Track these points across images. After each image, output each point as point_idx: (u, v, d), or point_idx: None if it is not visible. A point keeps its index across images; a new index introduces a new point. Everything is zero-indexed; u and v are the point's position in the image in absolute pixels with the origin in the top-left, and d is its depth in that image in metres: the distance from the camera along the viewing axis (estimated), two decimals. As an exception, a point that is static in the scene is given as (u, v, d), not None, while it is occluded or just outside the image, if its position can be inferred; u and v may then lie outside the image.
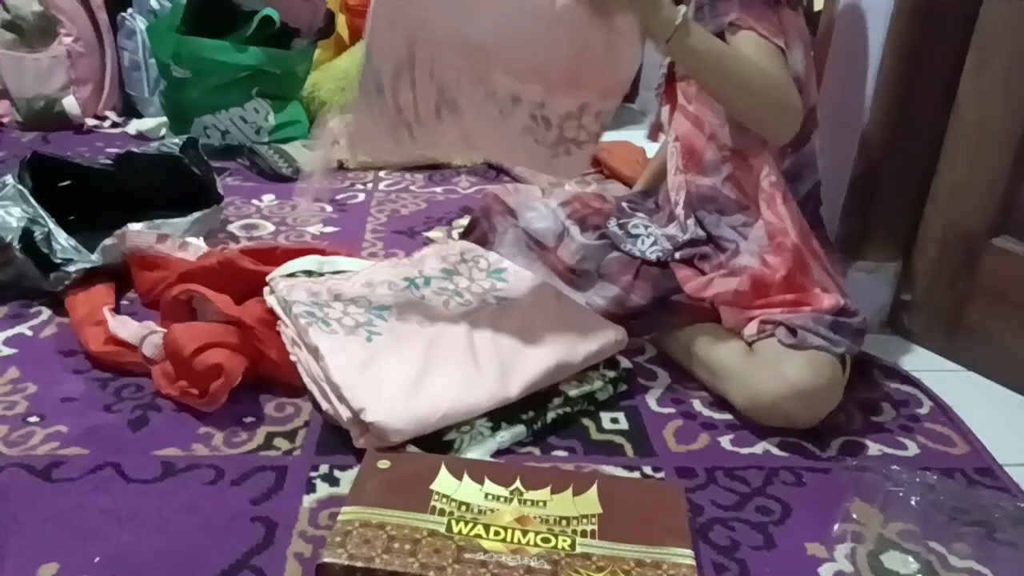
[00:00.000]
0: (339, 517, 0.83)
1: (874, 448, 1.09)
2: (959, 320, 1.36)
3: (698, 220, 1.26)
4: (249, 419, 1.05)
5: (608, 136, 1.35)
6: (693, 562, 0.81)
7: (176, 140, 1.60)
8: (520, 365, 1.07)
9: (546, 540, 0.82)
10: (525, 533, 0.83)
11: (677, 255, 1.26)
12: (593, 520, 0.85)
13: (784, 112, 1.10)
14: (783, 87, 1.09)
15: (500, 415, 1.03)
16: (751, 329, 1.14)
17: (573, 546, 0.82)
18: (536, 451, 1.03)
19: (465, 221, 1.60)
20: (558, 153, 1.12)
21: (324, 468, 0.97)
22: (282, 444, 1.01)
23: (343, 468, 0.97)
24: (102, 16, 2.31)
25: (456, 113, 1.07)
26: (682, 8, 1.02)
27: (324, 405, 1.03)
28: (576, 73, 1.04)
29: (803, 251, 1.15)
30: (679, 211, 1.28)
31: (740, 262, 1.20)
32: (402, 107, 1.04)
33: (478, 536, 0.82)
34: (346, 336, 1.07)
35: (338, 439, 1.01)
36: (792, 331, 1.08)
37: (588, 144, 1.13)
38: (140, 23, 2.29)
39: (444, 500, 0.86)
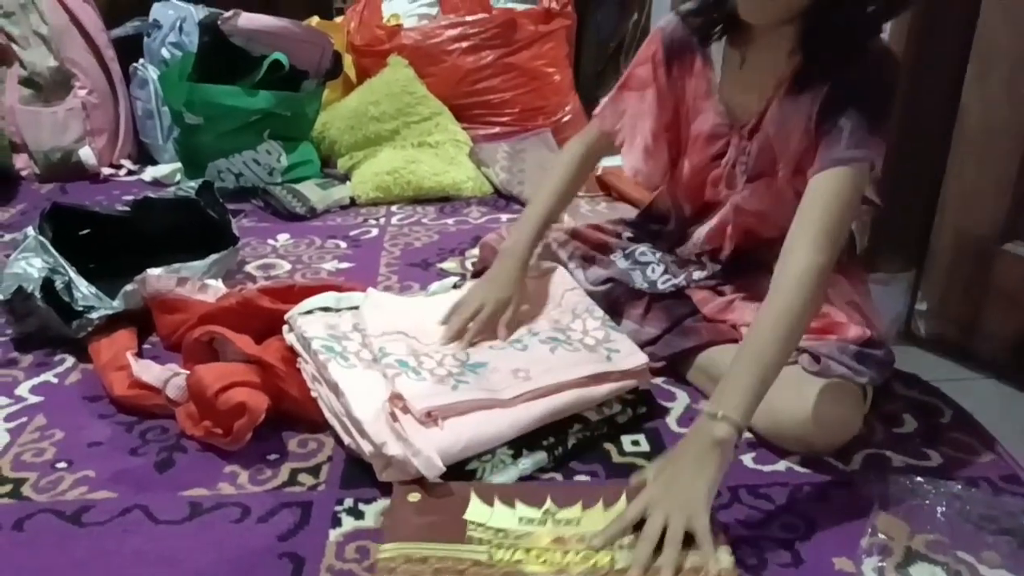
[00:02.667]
0: (380, 556, 0.83)
1: (897, 460, 1.08)
2: (975, 327, 1.36)
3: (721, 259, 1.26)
4: (273, 456, 1.06)
5: (616, 161, 1.36)
6: (732, 559, 0.82)
7: (192, 184, 1.63)
8: (545, 396, 1.07)
9: (587, 558, 0.83)
10: (565, 553, 0.84)
11: (692, 284, 1.26)
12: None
13: (821, 299, 1.03)
14: (813, 295, 0.96)
15: (521, 442, 1.03)
16: None
17: (613, 562, 0.82)
18: (558, 476, 1.03)
19: (477, 251, 1.62)
20: (598, 350, 1.14)
21: (349, 502, 0.98)
22: (306, 480, 1.02)
23: (368, 501, 0.98)
24: (115, 67, 2.36)
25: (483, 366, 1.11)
26: (707, 421, 0.89)
27: (346, 440, 1.04)
28: None
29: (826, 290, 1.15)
30: (704, 258, 1.28)
31: (763, 287, 1.20)
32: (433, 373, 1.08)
33: (520, 562, 0.83)
34: (365, 370, 1.09)
35: (362, 472, 1.01)
36: (816, 358, 1.08)
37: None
38: (152, 72, 2.34)
39: (480, 529, 0.87)
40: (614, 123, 1.27)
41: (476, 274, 1.49)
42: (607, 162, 2.27)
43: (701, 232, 1.26)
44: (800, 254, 0.96)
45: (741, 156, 1.15)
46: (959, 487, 0.98)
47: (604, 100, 1.30)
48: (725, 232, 1.23)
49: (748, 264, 1.24)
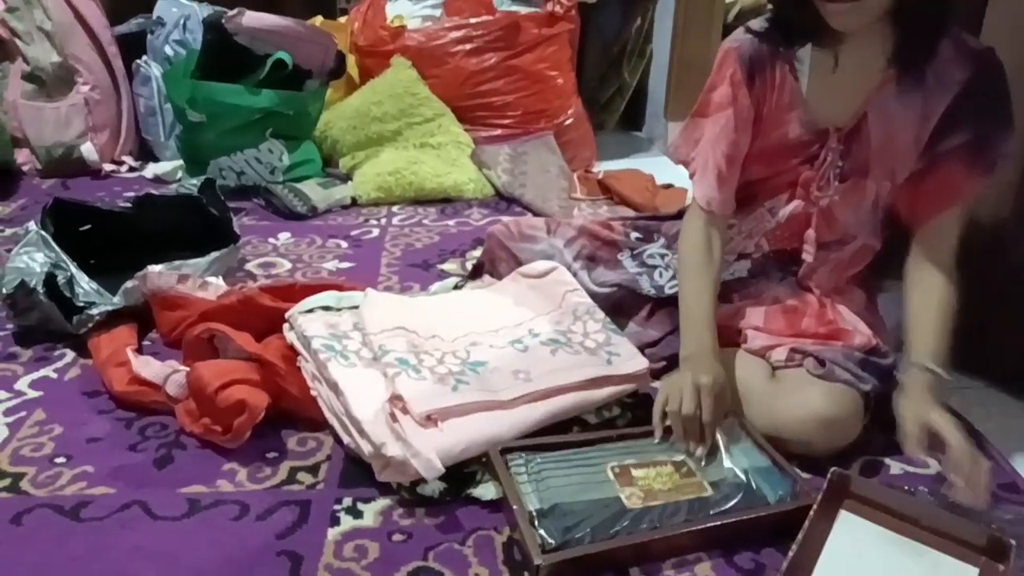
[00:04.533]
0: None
1: (896, 467, 1.09)
2: (976, 336, 1.36)
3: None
4: (272, 454, 1.06)
5: (617, 164, 1.36)
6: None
7: (194, 181, 1.63)
8: (544, 400, 1.07)
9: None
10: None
11: None
12: None
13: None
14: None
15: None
16: (779, 355, 1.13)
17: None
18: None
19: (478, 252, 1.62)
20: (599, 354, 1.14)
21: (348, 501, 0.98)
22: (305, 478, 1.02)
23: (366, 501, 0.98)
24: (118, 64, 2.36)
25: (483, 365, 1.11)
26: (915, 371, 1.02)
27: (346, 439, 1.04)
28: None
29: (832, 301, 1.16)
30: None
31: (770, 293, 1.21)
32: (434, 371, 1.08)
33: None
34: (365, 369, 1.09)
35: (361, 472, 1.01)
36: (821, 363, 1.09)
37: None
38: (155, 70, 2.34)
39: None
40: (688, 152, 1.20)
41: (476, 268, 1.49)
42: (607, 166, 2.28)
43: (769, 231, 1.21)
44: (941, 281, 1.09)
45: (837, 159, 1.11)
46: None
47: (676, 141, 1.23)
48: (801, 235, 1.19)
49: (779, 267, 1.23)
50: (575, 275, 1.32)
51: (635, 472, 0.99)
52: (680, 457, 1.03)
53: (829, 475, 0.94)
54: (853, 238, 1.18)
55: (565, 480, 0.96)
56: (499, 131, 2.32)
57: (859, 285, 1.22)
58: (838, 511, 0.93)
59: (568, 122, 2.37)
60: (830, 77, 1.08)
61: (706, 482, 0.98)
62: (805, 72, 1.10)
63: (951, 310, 1.08)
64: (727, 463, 1.02)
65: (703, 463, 1.01)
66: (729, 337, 1.21)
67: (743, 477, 0.99)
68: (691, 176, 1.20)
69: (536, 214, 1.96)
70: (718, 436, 1.04)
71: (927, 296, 1.09)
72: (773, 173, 1.17)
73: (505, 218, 1.98)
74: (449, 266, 1.71)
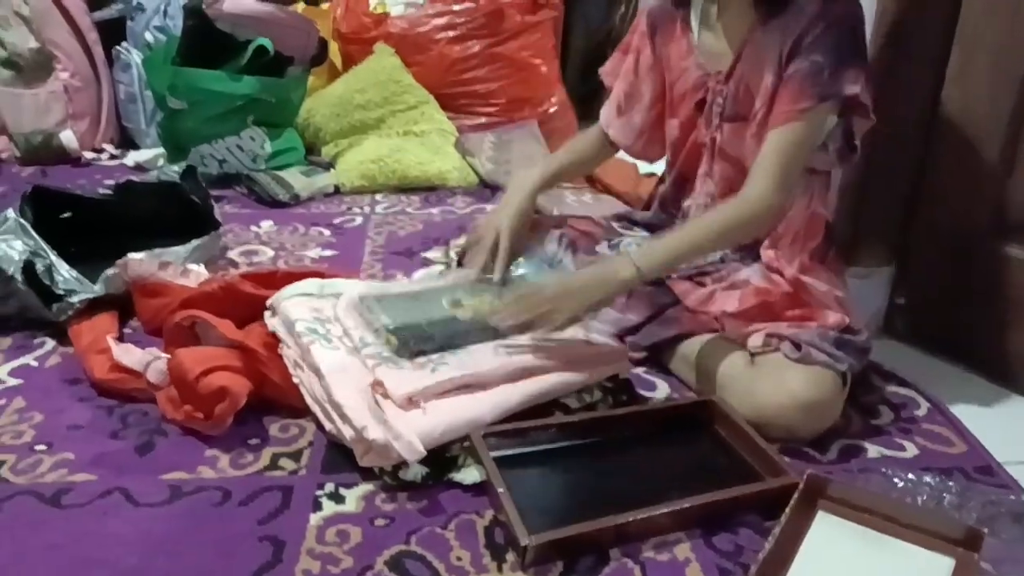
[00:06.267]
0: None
1: (873, 451, 1.10)
2: (954, 321, 1.38)
3: None
4: (254, 441, 1.06)
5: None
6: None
7: (175, 168, 1.62)
8: (525, 382, 1.07)
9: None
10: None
11: (675, 275, 1.27)
12: None
13: (757, 230, 1.17)
14: (751, 223, 1.12)
15: (502, 428, 1.04)
16: (756, 341, 1.15)
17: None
18: (539, 463, 1.04)
19: (462, 240, 1.62)
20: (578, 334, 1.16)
21: (330, 487, 0.98)
22: (287, 464, 1.02)
23: (348, 486, 0.98)
24: (98, 51, 2.34)
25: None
26: (625, 259, 1.08)
27: (328, 425, 1.04)
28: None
29: (801, 281, 1.18)
30: None
31: (741, 276, 1.22)
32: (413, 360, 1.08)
33: None
34: (347, 355, 1.09)
35: (342, 458, 1.02)
36: (797, 346, 1.10)
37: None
38: (135, 56, 2.32)
39: None
40: (611, 82, 1.39)
41: (461, 257, 1.49)
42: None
43: (697, 199, 1.31)
44: (759, 188, 1.09)
45: (718, 98, 1.21)
46: (937, 479, 1.00)
47: (606, 68, 1.41)
48: (714, 195, 1.27)
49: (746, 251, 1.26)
50: (560, 261, 1.33)
51: (465, 302, 1.19)
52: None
53: (805, 477, 0.94)
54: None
55: (409, 306, 1.16)
56: (483, 119, 2.32)
57: (824, 264, 1.24)
58: (814, 511, 0.94)
59: (552, 110, 2.37)
60: (714, 25, 1.20)
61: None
62: (695, 24, 1.23)
63: (712, 228, 1.11)
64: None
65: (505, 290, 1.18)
66: (706, 323, 1.22)
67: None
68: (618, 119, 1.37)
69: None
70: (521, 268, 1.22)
71: (709, 214, 1.16)
72: (686, 121, 1.28)
73: (489, 207, 1.99)
74: (433, 254, 1.71)
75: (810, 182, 1.21)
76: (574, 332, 1.17)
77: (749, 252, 1.26)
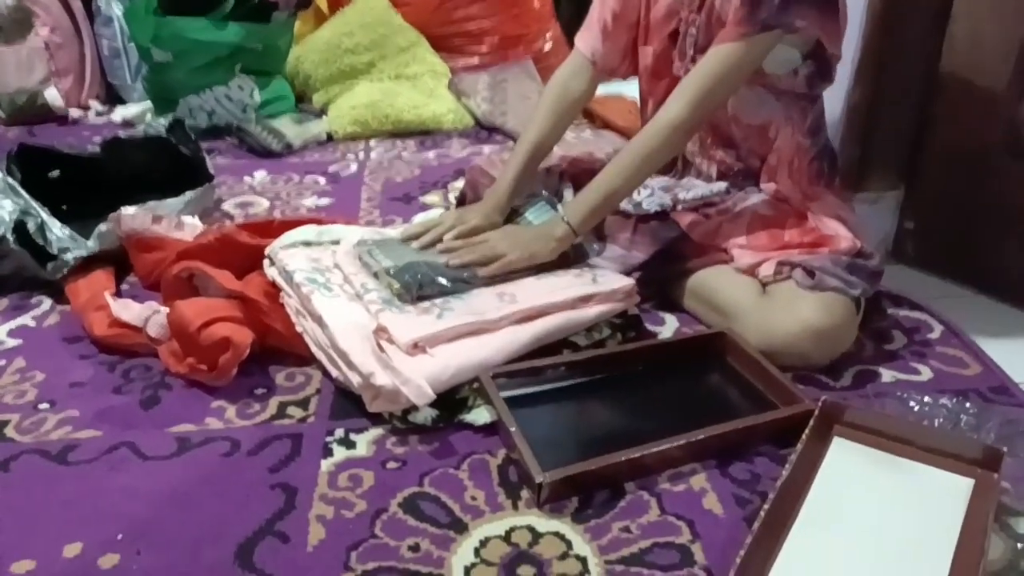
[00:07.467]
0: None
1: (888, 375, 1.09)
2: (965, 243, 1.35)
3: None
4: (260, 390, 1.05)
5: (599, 89, 1.33)
6: None
7: (162, 121, 1.58)
8: (532, 321, 1.06)
9: None
10: None
11: (679, 207, 1.25)
12: None
13: (669, 151, 1.16)
14: (662, 147, 1.12)
15: (512, 368, 1.02)
16: (767, 269, 1.13)
17: None
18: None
19: (460, 184, 1.58)
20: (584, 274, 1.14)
21: (340, 432, 0.97)
22: (296, 412, 1.01)
23: (359, 431, 0.97)
24: (77, 5, 2.27)
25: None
26: (557, 218, 1.14)
27: (334, 372, 1.03)
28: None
29: (810, 208, 1.16)
30: (711, 170, 1.29)
31: (748, 206, 1.20)
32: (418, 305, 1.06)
33: None
34: (349, 302, 1.07)
35: (351, 404, 1.00)
36: (810, 273, 1.08)
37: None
38: (116, 9, 2.25)
39: None
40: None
41: (460, 199, 1.46)
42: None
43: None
44: (673, 107, 1.09)
45: (691, 28, 1.18)
46: (953, 400, 0.99)
47: None
48: (731, 136, 1.23)
49: (738, 180, 1.24)
50: (561, 197, 1.30)
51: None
52: None
53: (820, 403, 0.93)
54: (761, 126, 1.20)
55: (410, 249, 1.15)
56: (476, 59, 2.26)
57: (830, 189, 1.21)
58: (831, 437, 0.93)
59: (547, 47, 2.31)
60: None
61: None
62: None
63: (625, 163, 1.12)
64: None
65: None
66: (714, 255, 1.20)
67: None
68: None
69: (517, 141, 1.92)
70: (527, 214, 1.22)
71: (627, 146, 1.15)
72: (660, 50, 1.23)
73: (486, 148, 1.95)
74: (431, 198, 1.68)
75: (788, 108, 1.18)
76: (580, 271, 1.15)
77: (753, 183, 1.23)
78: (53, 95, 2.20)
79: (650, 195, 1.27)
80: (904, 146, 1.41)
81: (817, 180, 1.22)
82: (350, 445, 0.95)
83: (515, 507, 0.85)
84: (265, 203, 1.66)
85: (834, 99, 1.39)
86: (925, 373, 1.09)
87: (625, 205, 1.26)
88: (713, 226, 1.22)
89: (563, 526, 0.83)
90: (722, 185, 1.25)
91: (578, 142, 1.87)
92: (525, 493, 0.87)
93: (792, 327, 1.04)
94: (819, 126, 1.23)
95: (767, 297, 1.11)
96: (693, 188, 1.26)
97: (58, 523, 0.83)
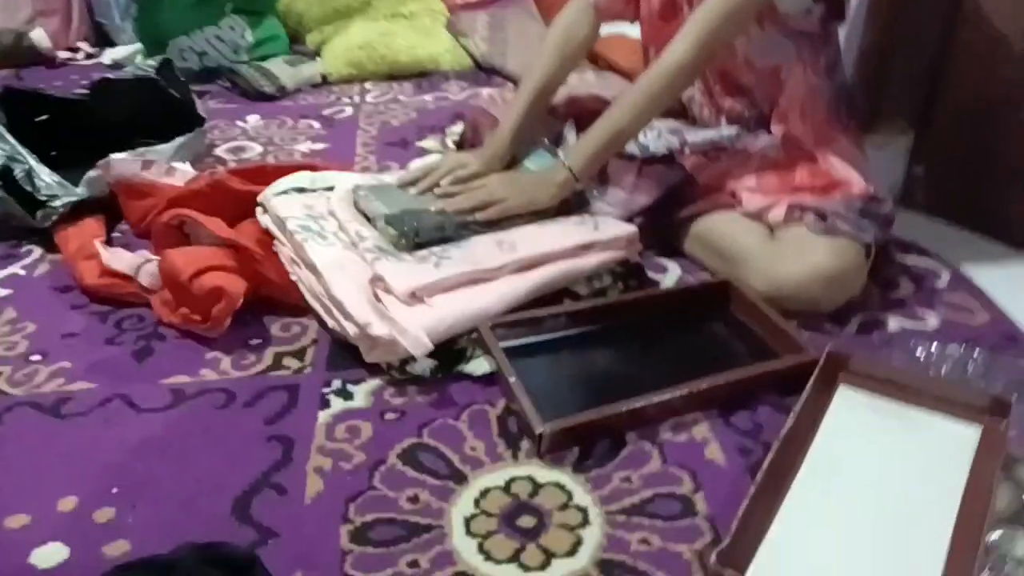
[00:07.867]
0: None
1: (894, 323, 1.07)
2: (975, 189, 1.32)
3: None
4: (256, 341, 1.03)
5: (602, 29, 1.28)
6: None
7: (151, 62, 1.53)
8: (531, 270, 1.04)
9: None
10: None
11: (687, 150, 1.21)
12: None
13: (673, 93, 1.12)
14: (668, 88, 1.09)
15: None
16: (778, 213, 1.10)
17: None
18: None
19: (459, 128, 1.54)
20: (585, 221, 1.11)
21: (337, 383, 0.95)
22: (292, 363, 0.99)
23: (356, 382, 0.95)
24: (60, -60, 2.20)
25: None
26: (558, 164, 1.12)
27: (330, 322, 1.01)
28: None
29: (823, 151, 1.13)
30: (719, 121, 1.25)
31: (757, 149, 1.17)
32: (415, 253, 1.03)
33: None
34: (344, 250, 1.04)
35: (348, 354, 0.99)
36: (821, 217, 1.06)
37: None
38: (101, -56, 2.18)
39: None
40: None
41: (460, 143, 1.43)
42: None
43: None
44: (678, 47, 1.06)
45: None
46: (960, 348, 0.97)
47: None
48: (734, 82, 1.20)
49: (750, 126, 1.20)
50: (565, 138, 1.27)
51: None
52: None
53: (825, 352, 0.91)
54: (773, 68, 1.16)
55: (406, 195, 1.13)
56: (474, -3, 2.19)
57: (845, 133, 1.18)
58: (836, 386, 0.91)
59: (547, -16, 2.24)
60: None
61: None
62: None
63: (627, 105, 1.10)
64: None
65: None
66: (720, 200, 1.17)
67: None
68: None
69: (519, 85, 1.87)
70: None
71: (631, 87, 1.12)
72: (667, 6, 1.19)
73: (485, 91, 1.90)
74: (429, 143, 1.64)
75: (800, 48, 1.14)
76: (581, 218, 1.12)
77: (762, 127, 1.19)
78: (40, 35, 2.14)
79: (657, 137, 1.23)
80: (917, 90, 1.37)
81: (832, 122, 1.18)
82: (348, 396, 0.93)
83: (515, 458, 0.84)
84: (258, 148, 1.62)
85: (846, 41, 1.34)
86: (932, 321, 1.07)
87: (630, 147, 1.23)
88: (721, 168, 1.19)
89: (563, 477, 0.82)
90: (733, 129, 1.22)
91: (581, 84, 1.82)
92: (525, 444, 0.86)
93: (802, 272, 1.02)
94: (834, 66, 1.18)
95: (776, 241, 1.08)
96: (702, 132, 1.22)
97: (52, 477, 0.82)
